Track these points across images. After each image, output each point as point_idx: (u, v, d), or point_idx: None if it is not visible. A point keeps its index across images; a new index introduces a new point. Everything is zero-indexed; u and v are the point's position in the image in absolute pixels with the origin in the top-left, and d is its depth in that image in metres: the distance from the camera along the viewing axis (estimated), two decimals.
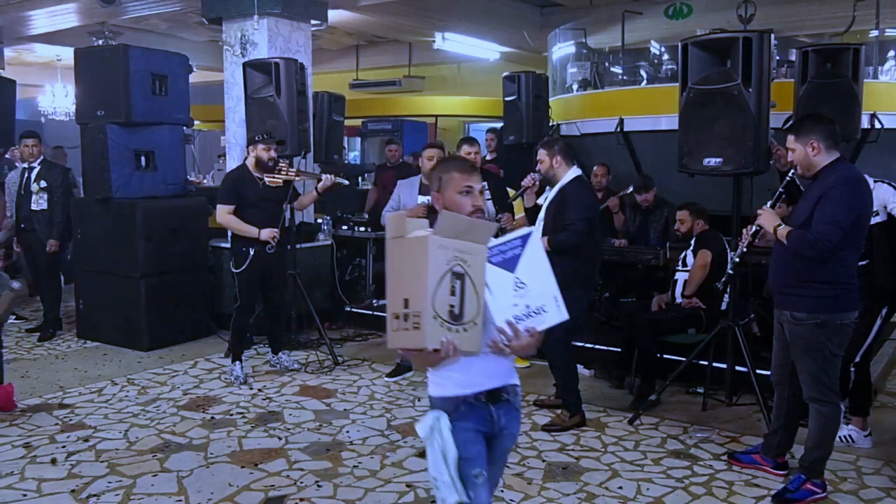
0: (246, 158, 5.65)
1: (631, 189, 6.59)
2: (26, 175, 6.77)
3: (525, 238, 2.22)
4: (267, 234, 5.43)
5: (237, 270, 5.50)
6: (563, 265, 4.51)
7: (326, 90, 8.68)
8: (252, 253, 5.44)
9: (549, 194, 4.72)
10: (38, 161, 6.80)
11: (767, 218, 3.73)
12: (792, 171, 3.85)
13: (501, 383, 2.34)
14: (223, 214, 5.48)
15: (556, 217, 4.60)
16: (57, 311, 6.95)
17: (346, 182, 6.13)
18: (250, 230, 5.42)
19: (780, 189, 4.00)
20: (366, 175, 11.18)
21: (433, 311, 1.94)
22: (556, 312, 2.22)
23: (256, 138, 5.55)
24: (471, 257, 2.02)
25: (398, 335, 2.01)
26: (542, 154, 4.72)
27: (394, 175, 8.14)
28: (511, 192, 6.08)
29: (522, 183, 4.91)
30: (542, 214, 4.72)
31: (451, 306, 1.98)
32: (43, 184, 6.71)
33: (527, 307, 2.16)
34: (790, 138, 3.64)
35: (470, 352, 2.05)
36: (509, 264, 2.16)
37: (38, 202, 6.71)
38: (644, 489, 3.80)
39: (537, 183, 4.83)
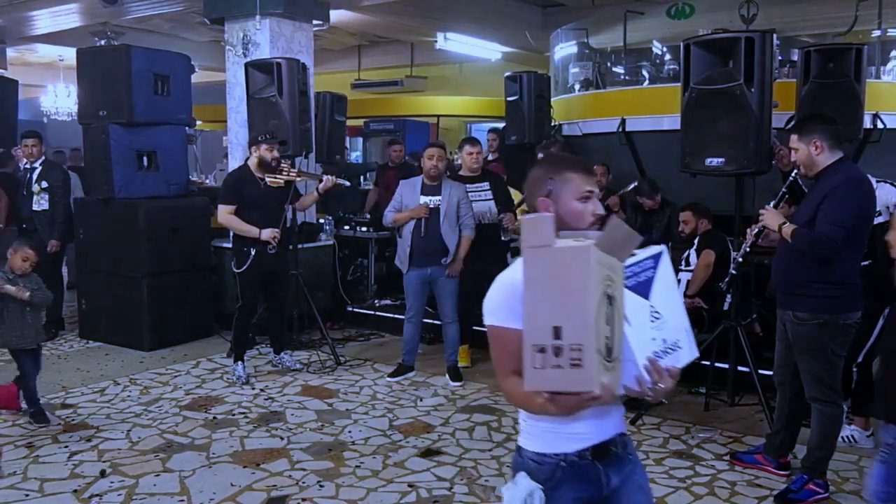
0: (247, 159, 5.66)
1: (632, 187, 6.58)
2: (28, 175, 6.78)
3: (657, 258, 1.87)
4: (267, 234, 5.43)
5: (239, 270, 5.50)
6: None
7: (328, 90, 8.67)
8: (253, 253, 5.44)
9: None
10: (40, 161, 6.81)
11: (771, 217, 3.72)
12: (795, 171, 3.85)
13: (611, 434, 1.93)
14: (224, 215, 5.48)
15: None
16: (59, 311, 6.96)
17: (348, 183, 6.13)
18: (251, 230, 5.43)
19: (784, 189, 4.00)
20: (367, 175, 11.17)
21: (596, 343, 1.54)
22: (689, 348, 1.88)
23: (259, 138, 5.55)
24: (617, 277, 1.64)
25: (546, 374, 1.58)
26: (541, 157, 4.71)
27: (396, 175, 8.13)
28: (513, 192, 6.09)
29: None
30: None
31: (607, 338, 1.58)
32: (44, 184, 6.71)
33: (664, 342, 1.79)
34: (793, 138, 3.64)
35: (614, 395, 1.66)
36: (643, 289, 1.80)
37: (40, 202, 6.72)
38: None
39: None
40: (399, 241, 5.60)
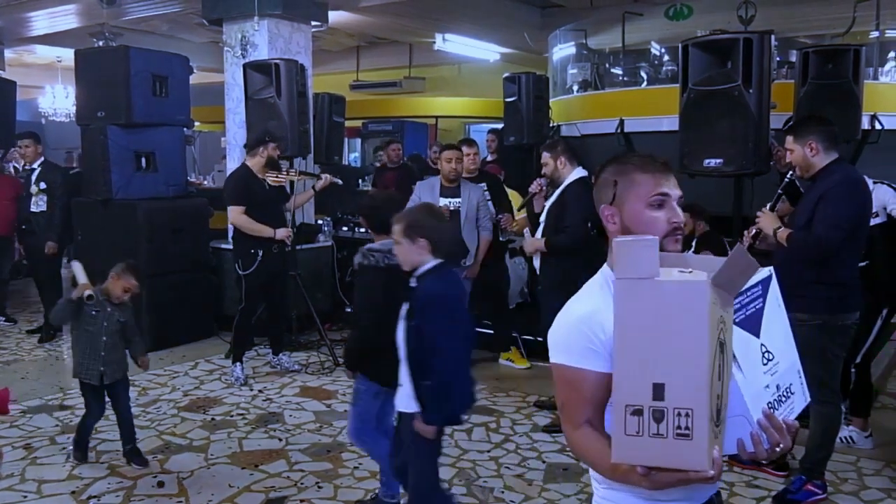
0: (246, 159, 5.64)
1: None
2: (27, 176, 6.77)
3: (766, 284, 1.53)
4: (283, 233, 5.43)
5: (245, 272, 5.47)
6: (566, 267, 4.55)
7: (327, 91, 8.68)
8: (261, 254, 5.42)
9: (552, 196, 4.71)
10: (39, 162, 6.80)
11: (767, 221, 3.73)
12: (791, 172, 3.85)
13: (709, 496, 1.59)
14: (237, 215, 5.43)
15: (556, 219, 4.59)
16: None
17: (340, 181, 6.11)
18: (265, 230, 5.40)
19: (780, 190, 4.00)
20: (366, 177, 11.18)
21: (709, 408, 1.23)
22: (801, 393, 1.54)
23: (267, 138, 5.55)
24: (729, 318, 1.34)
25: (642, 444, 1.25)
26: (545, 157, 4.70)
27: (395, 176, 8.12)
28: (511, 192, 6.09)
29: (530, 189, 4.89)
30: (543, 216, 4.72)
31: (718, 397, 1.27)
32: (42, 185, 6.70)
33: (777, 388, 1.45)
34: (789, 139, 3.65)
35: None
36: (753, 324, 1.45)
37: (38, 204, 6.71)
38: None
39: (545, 188, 4.81)
40: None
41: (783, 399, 1.45)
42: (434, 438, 2.91)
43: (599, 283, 1.62)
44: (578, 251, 4.45)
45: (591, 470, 1.61)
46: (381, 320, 3.08)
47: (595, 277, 1.66)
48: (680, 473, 1.26)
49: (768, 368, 1.44)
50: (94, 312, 3.91)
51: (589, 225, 4.40)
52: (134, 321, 4.08)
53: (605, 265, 1.65)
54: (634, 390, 1.25)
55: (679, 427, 1.22)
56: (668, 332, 1.24)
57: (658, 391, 1.23)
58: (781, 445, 1.37)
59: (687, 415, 1.21)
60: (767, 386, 1.42)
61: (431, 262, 2.86)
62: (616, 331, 1.30)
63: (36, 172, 6.74)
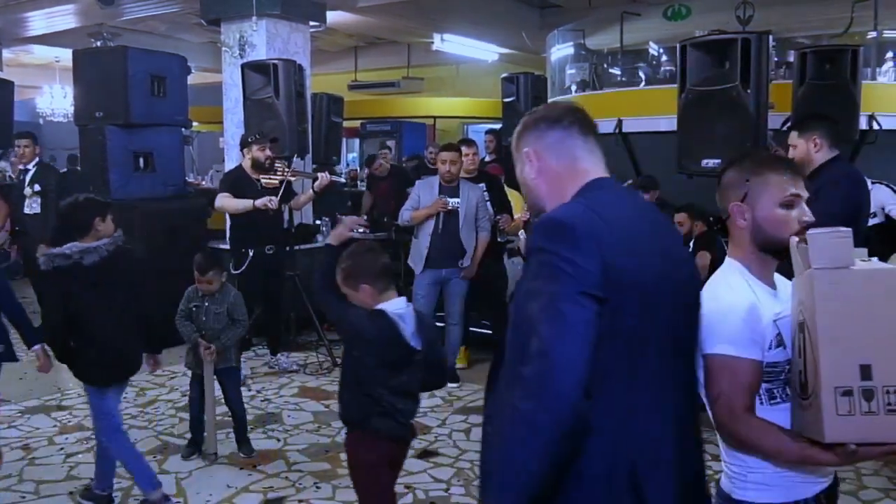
0: (241, 160, 5.64)
1: (627, 184, 6.56)
2: (21, 177, 6.70)
3: None
4: (261, 202, 5.28)
5: (237, 272, 5.48)
6: None
7: (325, 91, 8.68)
8: (251, 254, 5.43)
9: None
10: (34, 163, 6.73)
11: None
12: None
13: (834, 470, 1.72)
14: (220, 198, 5.46)
15: None
16: None
17: (343, 179, 6.11)
18: (245, 203, 5.34)
19: None
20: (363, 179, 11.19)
21: None
22: None
23: (249, 139, 5.54)
24: None
25: (854, 422, 1.36)
26: None
27: (388, 186, 8.07)
28: (511, 192, 6.09)
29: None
30: None
31: None
32: (37, 187, 6.62)
33: None
34: (793, 134, 3.66)
35: None
36: None
37: (31, 206, 6.63)
38: None
39: None
40: (414, 241, 5.56)
41: None
42: None
43: (739, 276, 1.72)
44: None
45: (733, 457, 1.66)
46: (67, 321, 3.33)
47: (729, 271, 1.74)
48: (887, 446, 1.38)
49: None
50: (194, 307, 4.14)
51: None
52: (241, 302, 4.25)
53: (731, 259, 1.76)
54: (842, 373, 1.34)
55: (889, 403, 1.32)
56: (869, 315, 1.35)
57: (865, 372, 1.33)
58: None
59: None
60: None
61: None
62: (819, 318, 1.38)
63: (30, 173, 6.69)
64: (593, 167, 1.64)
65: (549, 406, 1.32)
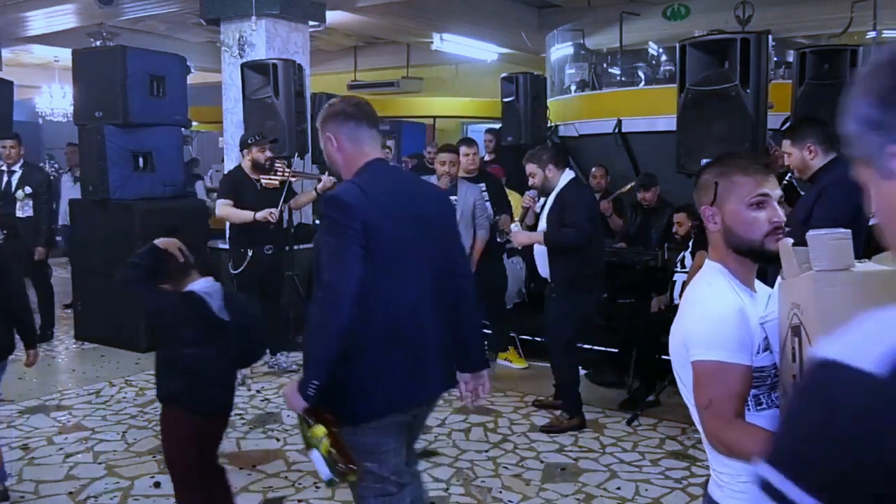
0: (242, 161, 5.64)
1: (629, 186, 6.57)
2: (5, 179, 6.60)
3: None
4: (262, 214, 5.31)
5: (236, 271, 5.48)
6: (568, 266, 4.55)
7: (324, 91, 8.67)
8: (250, 254, 5.42)
9: (547, 202, 4.69)
10: (19, 165, 6.63)
11: None
12: (789, 174, 3.86)
13: None
14: (222, 207, 5.45)
15: (558, 222, 4.58)
16: (52, 314, 6.89)
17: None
18: (246, 214, 5.36)
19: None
20: None
21: None
22: None
23: (249, 140, 5.53)
24: None
25: None
26: (532, 168, 4.66)
27: None
28: (511, 193, 6.09)
29: (523, 205, 4.91)
30: (542, 224, 4.70)
31: None
32: (28, 190, 6.54)
33: None
34: (786, 143, 3.66)
35: None
36: None
37: (24, 209, 6.53)
38: (642, 490, 3.80)
39: (536, 198, 4.81)
40: None
41: None
42: None
43: (722, 278, 1.68)
44: (581, 248, 4.46)
45: (723, 465, 1.61)
46: None
47: (710, 274, 1.70)
48: None
49: None
50: None
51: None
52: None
53: (712, 262, 1.72)
54: None
55: None
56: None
57: None
58: None
59: None
60: None
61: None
62: (817, 320, 1.35)
63: (17, 175, 6.60)
64: (372, 150, 2.52)
65: (333, 318, 2.25)
